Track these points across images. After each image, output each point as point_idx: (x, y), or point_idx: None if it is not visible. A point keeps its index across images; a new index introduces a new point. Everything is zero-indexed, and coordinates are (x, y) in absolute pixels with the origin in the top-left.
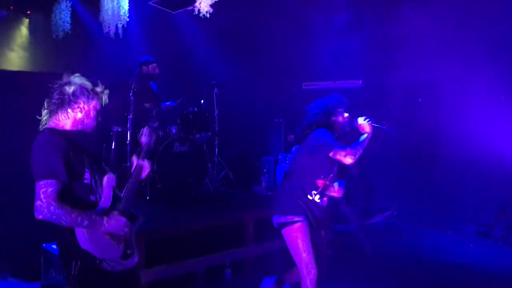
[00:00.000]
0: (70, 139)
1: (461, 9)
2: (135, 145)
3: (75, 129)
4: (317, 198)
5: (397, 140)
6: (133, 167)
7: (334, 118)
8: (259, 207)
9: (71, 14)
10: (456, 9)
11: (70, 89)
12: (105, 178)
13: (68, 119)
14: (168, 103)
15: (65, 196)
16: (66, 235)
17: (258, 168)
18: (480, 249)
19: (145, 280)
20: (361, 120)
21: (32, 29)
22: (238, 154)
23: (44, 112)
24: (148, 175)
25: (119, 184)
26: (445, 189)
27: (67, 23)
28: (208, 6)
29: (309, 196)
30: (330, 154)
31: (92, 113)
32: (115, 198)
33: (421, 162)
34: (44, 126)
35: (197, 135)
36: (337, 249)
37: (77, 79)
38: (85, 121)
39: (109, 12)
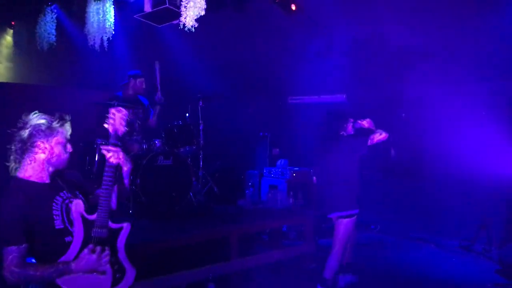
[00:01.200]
0: (36, 188)
1: (446, 25)
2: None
3: (44, 175)
4: None
5: (381, 154)
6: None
7: None
8: (243, 221)
9: (56, 26)
10: (441, 26)
11: (25, 134)
12: (72, 208)
13: (32, 163)
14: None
15: (37, 253)
16: None
17: (243, 181)
18: (462, 263)
19: None
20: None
21: (16, 40)
22: (223, 167)
23: (11, 159)
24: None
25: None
26: (429, 203)
27: (52, 34)
28: (193, 20)
29: None
30: None
31: (56, 150)
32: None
33: (404, 177)
34: (14, 174)
35: (182, 149)
36: (320, 264)
37: (32, 120)
38: (51, 160)
39: (95, 25)
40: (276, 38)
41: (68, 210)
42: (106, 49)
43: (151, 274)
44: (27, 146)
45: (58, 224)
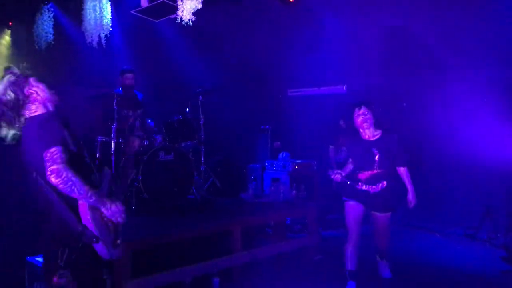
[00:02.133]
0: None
1: (445, 15)
2: (119, 154)
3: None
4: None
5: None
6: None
7: None
8: (246, 214)
9: (54, 24)
10: (440, 14)
11: (10, 93)
12: (104, 170)
13: (35, 106)
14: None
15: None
16: (63, 213)
17: (245, 175)
18: (467, 251)
19: None
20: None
21: (14, 40)
22: (225, 161)
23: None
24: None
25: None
26: (432, 192)
27: (50, 33)
28: (190, 14)
29: None
30: None
31: (41, 91)
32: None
33: (408, 166)
34: (28, 116)
35: (183, 144)
36: (325, 255)
37: (3, 81)
38: (46, 101)
39: (92, 22)
40: (274, 30)
41: (93, 157)
42: (104, 46)
43: (156, 269)
44: (22, 100)
45: (87, 157)
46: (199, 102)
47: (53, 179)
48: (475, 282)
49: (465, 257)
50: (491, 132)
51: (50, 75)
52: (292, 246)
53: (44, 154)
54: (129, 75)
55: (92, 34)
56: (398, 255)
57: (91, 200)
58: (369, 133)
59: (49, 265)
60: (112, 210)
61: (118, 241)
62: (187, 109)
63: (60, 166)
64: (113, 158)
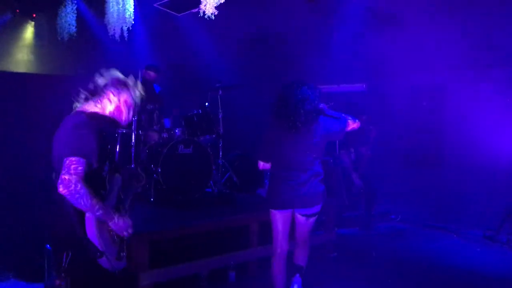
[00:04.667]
0: (103, 127)
1: (465, 13)
2: (139, 146)
3: (106, 116)
4: None
5: (402, 143)
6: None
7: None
8: (263, 209)
9: (77, 17)
10: (460, 12)
11: (102, 81)
12: (114, 177)
13: (99, 108)
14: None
15: (86, 182)
16: (73, 221)
17: (262, 171)
18: (486, 254)
19: (148, 281)
20: None
21: (37, 32)
22: (242, 156)
23: (82, 93)
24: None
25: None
26: (451, 193)
27: (73, 25)
28: (213, 8)
29: None
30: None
31: (123, 107)
32: (118, 199)
33: (426, 165)
34: (78, 109)
35: (202, 137)
36: (341, 253)
37: (111, 72)
38: (115, 113)
39: (114, 15)
40: (295, 28)
41: (112, 170)
42: (126, 39)
43: (172, 261)
44: (98, 91)
45: (105, 171)
46: (219, 96)
47: (60, 188)
48: (493, 285)
49: (484, 259)
50: None
51: (72, 67)
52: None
53: (64, 159)
54: (152, 73)
55: (115, 27)
56: (415, 255)
57: (97, 214)
58: None
59: (55, 264)
60: (119, 225)
61: (122, 254)
62: (207, 103)
63: (72, 177)
64: (133, 150)
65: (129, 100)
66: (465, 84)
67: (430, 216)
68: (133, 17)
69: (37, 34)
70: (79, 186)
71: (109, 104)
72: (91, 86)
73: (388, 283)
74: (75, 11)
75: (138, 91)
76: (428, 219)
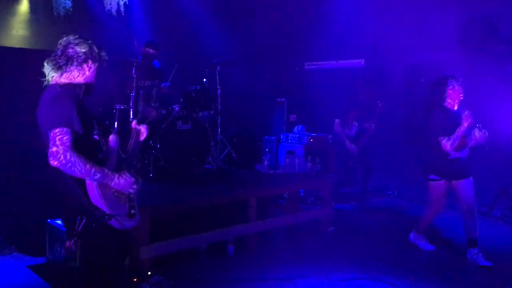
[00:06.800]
0: (80, 95)
1: None
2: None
3: (78, 84)
4: None
5: (399, 119)
6: (132, 131)
7: None
8: (262, 185)
9: None
10: None
11: (82, 49)
12: (111, 138)
13: (80, 75)
14: (162, 85)
15: (77, 149)
16: (75, 190)
17: (260, 147)
18: (481, 228)
19: (149, 255)
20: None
21: (32, 7)
22: (240, 133)
23: (50, 67)
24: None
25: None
26: None
27: (68, 0)
28: None
29: None
30: None
31: (91, 76)
32: (119, 159)
33: (424, 143)
34: (51, 82)
35: (200, 114)
36: (338, 227)
37: (89, 45)
38: (89, 80)
39: None
40: (293, 3)
41: (104, 132)
42: (123, 13)
43: (172, 235)
44: (77, 61)
45: (96, 134)
46: (217, 72)
47: (51, 161)
48: (489, 259)
49: (479, 233)
50: (508, 111)
51: None
52: (305, 217)
53: (49, 133)
54: (151, 50)
55: (111, 1)
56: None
57: (96, 178)
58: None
59: (68, 230)
60: (121, 184)
61: (133, 211)
62: (205, 80)
63: (59, 148)
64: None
65: (93, 61)
66: (465, 61)
67: (426, 192)
68: None
69: (32, 9)
70: (68, 155)
71: (88, 72)
72: (70, 52)
73: (384, 257)
74: None
75: (101, 53)
76: (424, 195)
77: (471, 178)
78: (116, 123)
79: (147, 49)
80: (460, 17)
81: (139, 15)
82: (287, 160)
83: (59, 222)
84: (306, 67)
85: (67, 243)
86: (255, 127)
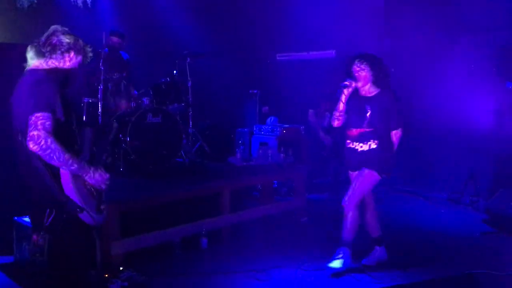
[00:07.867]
0: (63, 83)
1: None
2: (107, 115)
3: (61, 69)
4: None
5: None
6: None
7: None
8: (235, 177)
9: None
10: None
11: (67, 39)
12: (85, 131)
13: (60, 64)
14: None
15: (56, 136)
16: (46, 180)
17: (233, 139)
18: (450, 214)
19: (120, 251)
20: None
21: None
22: (213, 125)
23: (32, 52)
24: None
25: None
26: (418, 157)
27: None
28: None
29: None
30: None
31: (75, 66)
32: (91, 154)
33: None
34: (31, 67)
35: (170, 106)
36: (311, 217)
37: (73, 37)
38: (71, 64)
39: None
40: None
41: (80, 124)
42: (89, 5)
43: (144, 230)
44: (60, 50)
45: (74, 125)
46: (187, 64)
47: (31, 145)
48: (456, 243)
49: (448, 220)
50: (476, 100)
51: (33, 35)
52: (279, 208)
53: (29, 117)
54: (116, 39)
55: None
56: (382, 217)
57: (72, 168)
58: (366, 89)
59: (35, 224)
60: (95, 178)
61: (102, 207)
62: (175, 72)
63: (40, 132)
64: (100, 120)
65: (75, 53)
66: (434, 51)
67: (398, 180)
68: None
69: None
70: (49, 140)
71: (68, 63)
72: (54, 41)
73: (357, 244)
74: None
75: (86, 48)
76: (395, 183)
77: None
78: (84, 117)
79: (111, 37)
80: (430, 8)
81: (106, 7)
82: (260, 151)
83: (26, 219)
84: (278, 58)
85: (34, 237)
86: (227, 119)
